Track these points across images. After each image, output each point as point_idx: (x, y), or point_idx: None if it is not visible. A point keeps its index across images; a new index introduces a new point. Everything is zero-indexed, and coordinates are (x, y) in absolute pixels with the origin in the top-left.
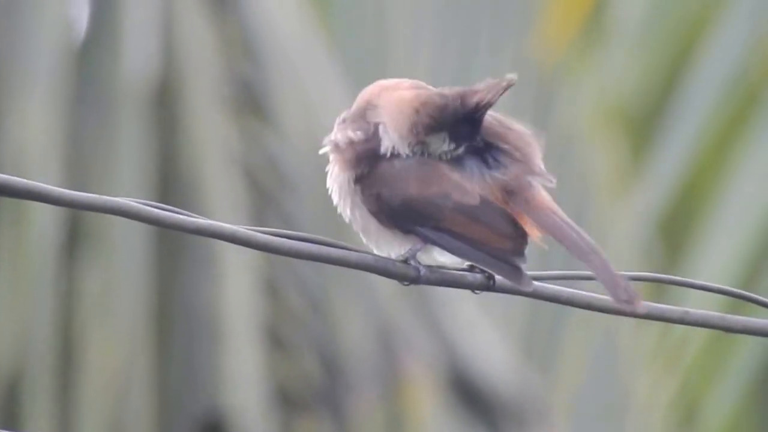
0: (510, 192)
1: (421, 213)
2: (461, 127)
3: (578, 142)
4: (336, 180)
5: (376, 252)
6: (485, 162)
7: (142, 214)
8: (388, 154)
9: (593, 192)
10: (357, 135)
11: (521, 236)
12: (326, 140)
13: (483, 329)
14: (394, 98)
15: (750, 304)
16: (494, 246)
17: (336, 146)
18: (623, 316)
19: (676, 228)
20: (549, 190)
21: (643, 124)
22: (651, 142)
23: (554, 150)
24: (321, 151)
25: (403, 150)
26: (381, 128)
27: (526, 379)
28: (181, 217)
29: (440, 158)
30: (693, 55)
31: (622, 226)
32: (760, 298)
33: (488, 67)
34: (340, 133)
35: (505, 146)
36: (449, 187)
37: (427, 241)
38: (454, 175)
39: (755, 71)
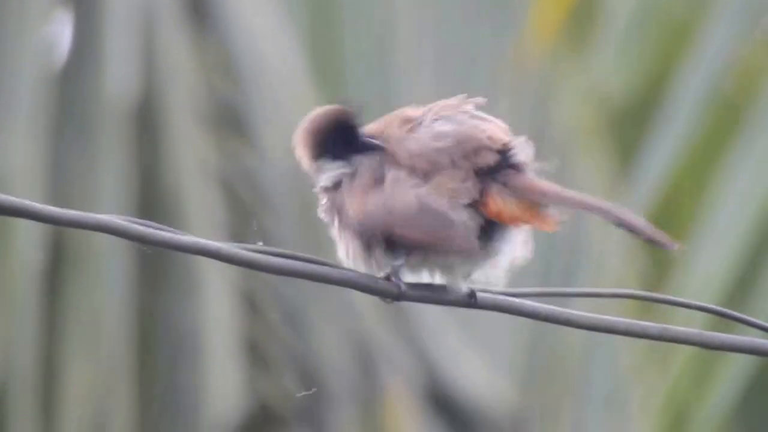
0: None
1: (377, 221)
2: (339, 147)
3: (564, 144)
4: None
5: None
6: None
7: (128, 232)
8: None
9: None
10: (323, 194)
11: (469, 224)
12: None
13: (462, 343)
14: None
15: (734, 311)
16: (442, 244)
17: (324, 213)
18: (600, 332)
19: (665, 230)
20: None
21: (631, 126)
22: (639, 143)
23: (540, 152)
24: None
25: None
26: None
27: (505, 393)
28: (166, 234)
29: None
30: (680, 56)
31: (609, 229)
32: (742, 315)
33: (473, 71)
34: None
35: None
36: (397, 192)
37: (398, 247)
38: (401, 182)
39: (741, 77)
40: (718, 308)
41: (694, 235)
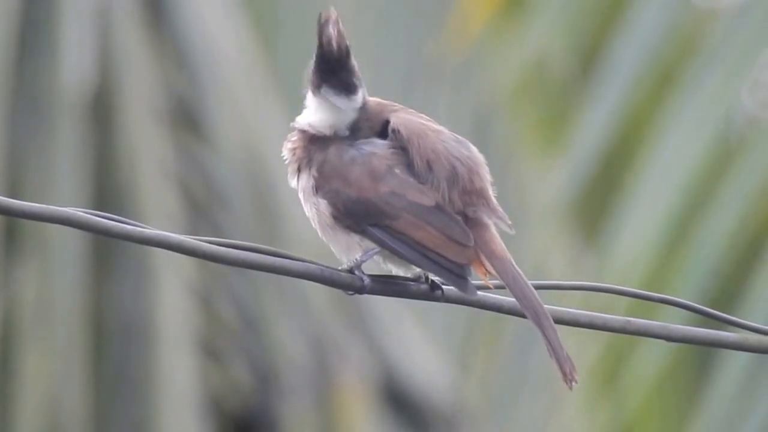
0: (467, 219)
1: (375, 210)
2: (337, 74)
3: (500, 112)
4: (300, 185)
5: (333, 251)
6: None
7: (89, 224)
8: (323, 133)
9: (514, 162)
10: (296, 134)
11: (472, 248)
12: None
13: (415, 338)
14: None
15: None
16: (443, 253)
17: (289, 151)
18: (563, 324)
19: (598, 196)
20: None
21: (567, 92)
22: (574, 109)
23: (476, 123)
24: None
25: (312, 103)
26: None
27: (456, 387)
28: (127, 227)
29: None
30: (618, 21)
31: (543, 196)
32: (678, 299)
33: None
34: (288, 141)
35: (462, 173)
36: (404, 187)
37: (378, 242)
38: (410, 178)
39: (680, 39)
40: (658, 295)
41: (629, 193)
